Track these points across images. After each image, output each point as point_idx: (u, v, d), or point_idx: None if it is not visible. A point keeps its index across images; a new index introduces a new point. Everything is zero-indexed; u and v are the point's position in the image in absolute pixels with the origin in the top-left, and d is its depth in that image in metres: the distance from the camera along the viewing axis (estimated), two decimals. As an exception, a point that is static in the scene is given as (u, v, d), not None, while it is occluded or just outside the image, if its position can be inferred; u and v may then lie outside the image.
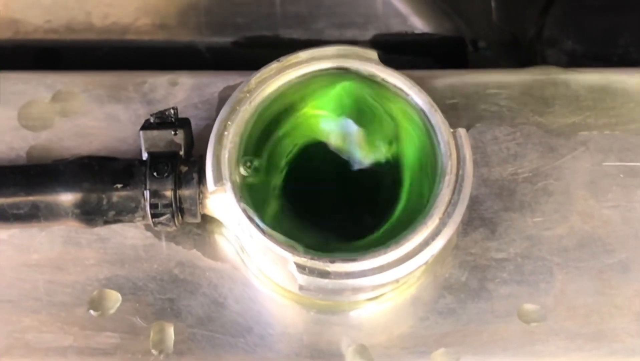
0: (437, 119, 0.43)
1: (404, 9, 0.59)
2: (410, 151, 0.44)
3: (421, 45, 0.60)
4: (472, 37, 0.60)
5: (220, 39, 0.59)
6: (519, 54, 0.61)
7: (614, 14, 0.62)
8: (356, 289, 0.41)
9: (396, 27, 0.59)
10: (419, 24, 0.60)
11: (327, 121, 0.44)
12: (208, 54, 0.59)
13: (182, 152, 0.43)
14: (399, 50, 0.60)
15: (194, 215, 0.43)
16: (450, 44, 0.60)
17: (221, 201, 0.42)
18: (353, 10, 0.59)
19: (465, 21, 0.61)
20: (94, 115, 0.48)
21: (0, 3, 0.58)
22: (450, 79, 0.49)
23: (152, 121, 0.43)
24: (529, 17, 0.61)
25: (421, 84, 0.44)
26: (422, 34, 0.60)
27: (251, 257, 0.44)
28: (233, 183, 0.41)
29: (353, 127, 0.44)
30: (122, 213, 0.42)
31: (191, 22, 0.59)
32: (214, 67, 0.52)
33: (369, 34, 0.59)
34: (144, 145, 0.43)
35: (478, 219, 0.46)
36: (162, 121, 0.43)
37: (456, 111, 0.48)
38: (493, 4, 0.61)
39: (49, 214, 0.42)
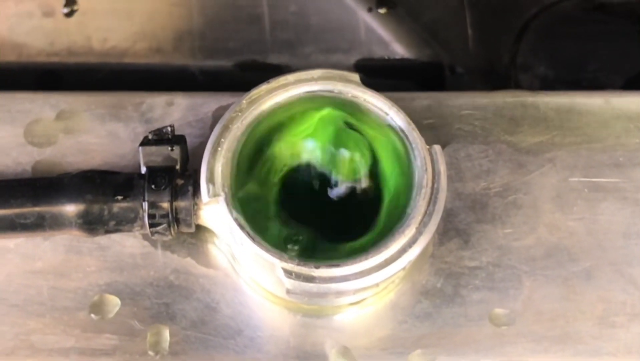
0: (414, 136, 0.45)
1: (385, 36, 0.62)
2: (389, 166, 0.46)
3: (402, 69, 0.62)
4: (450, 63, 0.63)
5: (213, 62, 0.61)
6: (494, 78, 0.64)
7: (583, 42, 0.64)
8: (339, 293, 0.43)
9: (378, 52, 0.62)
10: (399, 50, 0.62)
11: (313, 142, 0.47)
12: (201, 77, 0.61)
13: (178, 167, 0.45)
14: (381, 74, 0.62)
15: (189, 225, 0.45)
16: (429, 69, 0.62)
17: (214, 211, 0.44)
18: (338, 37, 0.62)
19: (444, 48, 0.63)
20: (95, 132, 0.50)
21: (5, 28, 0.60)
22: (428, 100, 0.51)
23: (150, 137, 0.46)
24: (503, 44, 0.64)
25: (400, 104, 0.46)
26: (403, 60, 0.62)
27: (242, 264, 0.46)
28: (225, 195, 0.43)
29: (338, 146, 0.47)
30: (122, 223, 0.44)
31: (186, 47, 0.61)
32: (207, 89, 0.53)
33: (352, 59, 0.62)
34: (142, 160, 0.45)
35: (453, 230, 0.48)
36: (160, 137, 0.46)
37: (433, 130, 0.50)
38: (470, 31, 0.63)
39: (54, 223, 0.44)
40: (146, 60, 0.61)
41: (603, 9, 0.66)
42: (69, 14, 0.61)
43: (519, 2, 0.65)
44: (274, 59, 0.61)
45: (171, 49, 0.61)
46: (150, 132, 0.46)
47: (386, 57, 0.62)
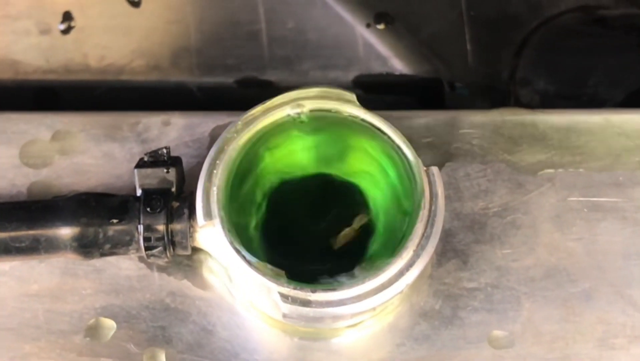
0: (412, 158, 0.44)
1: (384, 51, 0.62)
2: (385, 188, 0.46)
3: (401, 85, 0.62)
4: (449, 79, 0.63)
5: (211, 79, 0.61)
6: (494, 94, 0.63)
7: (583, 56, 0.64)
8: (336, 317, 0.43)
9: (377, 68, 0.62)
10: (398, 66, 0.62)
11: (305, 161, 0.47)
12: (199, 94, 0.61)
13: (173, 189, 0.45)
14: (379, 91, 0.62)
15: (185, 248, 0.45)
16: (429, 85, 0.62)
17: (210, 234, 0.44)
18: (336, 53, 0.61)
19: (443, 63, 0.63)
20: (91, 153, 0.50)
21: (2, 45, 0.60)
22: (426, 118, 0.51)
23: (146, 159, 0.46)
24: (503, 59, 0.64)
25: (398, 123, 0.46)
26: (402, 75, 0.62)
27: (238, 287, 0.46)
28: (221, 218, 0.43)
29: (330, 167, 0.47)
30: (117, 246, 0.44)
31: (183, 64, 0.61)
32: (205, 106, 0.53)
33: (351, 75, 0.61)
34: (138, 182, 0.45)
35: (451, 251, 0.48)
36: (156, 159, 0.45)
37: (431, 148, 0.50)
38: (469, 47, 0.63)
39: (49, 247, 0.44)
40: (144, 77, 0.61)
41: (603, 23, 0.66)
42: (65, 31, 0.61)
43: (518, 17, 0.64)
44: (272, 75, 0.61)
45: (169, 66, 0.61)
46: (145, 154, 0.46)
47: (385, 73, 0.62)
